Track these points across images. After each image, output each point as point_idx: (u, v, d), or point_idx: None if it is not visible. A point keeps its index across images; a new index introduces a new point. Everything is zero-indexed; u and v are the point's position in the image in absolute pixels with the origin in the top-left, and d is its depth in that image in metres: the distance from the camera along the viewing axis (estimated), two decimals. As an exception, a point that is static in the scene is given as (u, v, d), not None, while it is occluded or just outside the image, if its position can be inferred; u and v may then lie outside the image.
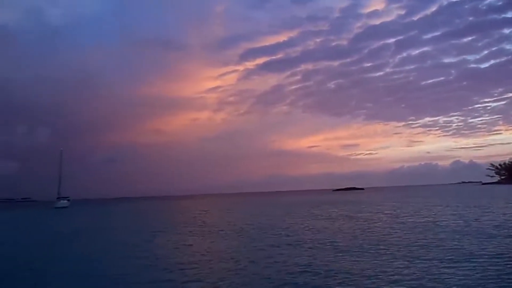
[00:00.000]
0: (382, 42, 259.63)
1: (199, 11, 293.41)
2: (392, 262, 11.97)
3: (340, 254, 13.84)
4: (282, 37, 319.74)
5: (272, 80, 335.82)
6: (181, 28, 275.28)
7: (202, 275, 11.31)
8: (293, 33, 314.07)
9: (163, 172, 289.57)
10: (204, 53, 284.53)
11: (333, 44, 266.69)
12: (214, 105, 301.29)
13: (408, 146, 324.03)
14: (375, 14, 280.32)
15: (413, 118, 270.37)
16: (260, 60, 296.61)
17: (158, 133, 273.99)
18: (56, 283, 11.56)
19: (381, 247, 14.81)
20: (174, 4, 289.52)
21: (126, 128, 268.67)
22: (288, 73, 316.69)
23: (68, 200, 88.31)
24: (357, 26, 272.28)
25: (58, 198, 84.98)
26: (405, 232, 19.21)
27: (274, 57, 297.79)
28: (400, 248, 14.43)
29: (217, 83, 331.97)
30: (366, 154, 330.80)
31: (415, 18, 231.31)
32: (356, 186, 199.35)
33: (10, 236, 27.27)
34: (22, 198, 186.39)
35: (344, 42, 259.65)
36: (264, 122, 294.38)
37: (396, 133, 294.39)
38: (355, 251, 14.22)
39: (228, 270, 11.78)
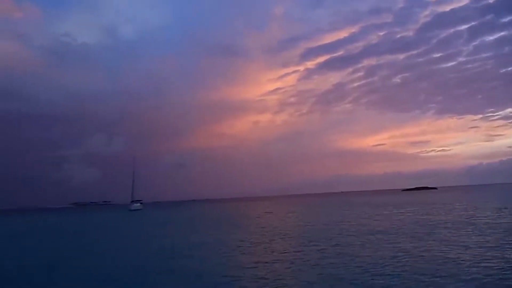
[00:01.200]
0: (452, 30, 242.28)
1: (259, 16, 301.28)
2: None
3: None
4: (342, 34, 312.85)
5: (333, 78, 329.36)
6: (242, 33, 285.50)
7: (269, 274, 11.70)
8: (354, 29, 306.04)
9: (228, 174, 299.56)
10: (264, 56, 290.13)
11: (398, 36, 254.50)
12: (275, 107, 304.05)
13: (487, 141, 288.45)
14: (443, 0, 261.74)
15: (492, 110, 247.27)
16: (321, 59, 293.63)
17: (222, 137, 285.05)
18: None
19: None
20: (235, 11, 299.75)
21: (193, 133, 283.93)
22: (350, 70, 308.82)
23: (141, 203, 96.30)
24: (424, 15, 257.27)
25: (132, 201, 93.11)
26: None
27: (334, 55, 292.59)
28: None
29: (278, 84, 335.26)
30: (438, 151, 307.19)
31: (491, 0, 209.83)
32: (428, 186, 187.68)
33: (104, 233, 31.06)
34: (103, 201, 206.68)
35: (410, 33, 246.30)
36: (325, 122, 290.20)
37: (472, 127, 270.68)
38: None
39: (296, 271, 12.09)
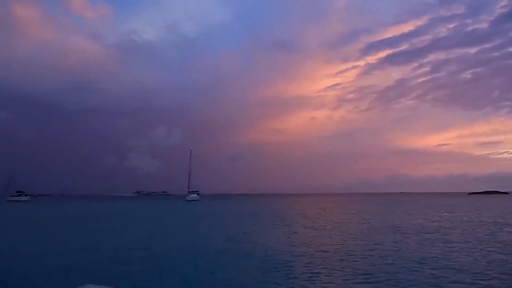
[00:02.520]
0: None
1: (319, 10, 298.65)
2: None
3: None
4: (407, 27, 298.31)
5: (395, 73, 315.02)
6: (300, 28, 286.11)
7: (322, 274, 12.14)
8: (421, 21, 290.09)
9: (283, 170, 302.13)
10: (322, 51, 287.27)
11: (470, 28, 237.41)
12: (332, 103, 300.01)
13: None
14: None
15: None
16: (383, 54, 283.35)
17: (277, 132, 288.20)
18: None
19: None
20: (294, 6, 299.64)
21: (249, 128, 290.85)
22: (415, 65, 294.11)
23: (198, 194, 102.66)
24: (500, 6, 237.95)
25: (189, 192, 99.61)
26: None
27: (398, 49, 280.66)
28: None
29: (336, 80, 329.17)
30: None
31: None
32: (499, 190, 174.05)
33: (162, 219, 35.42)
34: (161, 192, 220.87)
35: (484, 25, 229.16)
36: (386, 119, 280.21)
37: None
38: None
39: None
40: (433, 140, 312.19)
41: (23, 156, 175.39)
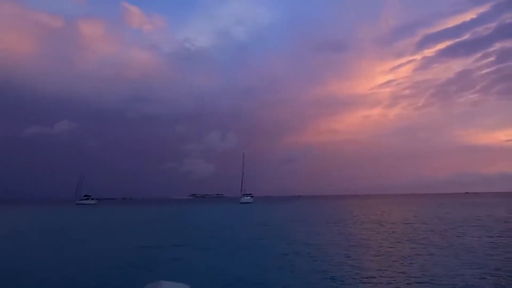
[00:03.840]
0: None
1: (371, 6, 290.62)
2: None
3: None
4: (469, 15, 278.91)
5: (456, 66, 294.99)
6: (352, 26, 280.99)
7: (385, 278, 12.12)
8: (483, 8, 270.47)
9: (337, 171, 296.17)
10: (375, 48, 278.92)
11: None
12: (387, 100, 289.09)
13: None
14: None
15: None
16: (441, 45, 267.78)
17: (331, 132, 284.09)
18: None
19: None
20: (345, 4, 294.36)
21: (302, 129, 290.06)
22: (478, 55, 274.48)
23: (252, 196, 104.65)
24: None
25: (243, 195, 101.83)
26: None
27: (458, 40, 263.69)
28: None
29: (390, 76, 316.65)
30: None
31: None
32: None
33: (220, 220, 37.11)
34: (216, 194, 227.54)
35: None
36: (445, 115, 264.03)
37: None
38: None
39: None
40: (500, 135, 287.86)
41: (89, 163, 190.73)
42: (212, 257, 15.67)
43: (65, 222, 40.52)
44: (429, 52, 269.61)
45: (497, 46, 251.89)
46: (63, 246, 20.48)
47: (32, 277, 12.64)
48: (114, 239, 24.00)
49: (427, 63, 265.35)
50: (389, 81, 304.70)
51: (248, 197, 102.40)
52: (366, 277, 11.50)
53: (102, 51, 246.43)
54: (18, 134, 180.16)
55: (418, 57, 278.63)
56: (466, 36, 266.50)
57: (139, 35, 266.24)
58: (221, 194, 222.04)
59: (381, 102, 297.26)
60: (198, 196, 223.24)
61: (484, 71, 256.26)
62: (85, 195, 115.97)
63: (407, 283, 10.65)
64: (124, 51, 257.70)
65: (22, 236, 26.29)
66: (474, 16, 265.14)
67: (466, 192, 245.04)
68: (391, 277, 11.45)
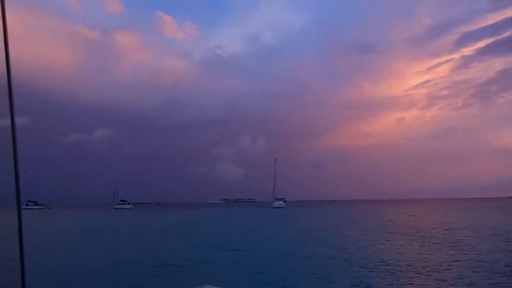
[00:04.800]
0: None
1: (405, 6, 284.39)
2: None
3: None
4: (509, 12, 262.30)
5: (496, 64, 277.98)
6: (384, 27, 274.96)
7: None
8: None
9: (370, 175, 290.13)
10: (409, 48, 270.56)
11: None
12: (422, 101, 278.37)
13: None
14: None
15: None
16: (481, 44, 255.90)
17: (364, 136, 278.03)
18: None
19: None
20: (377, 6, 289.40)
21: (334, 132, 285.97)
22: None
23: (284, 201, 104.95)
24: None
25: (275, 199, 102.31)
26: None
27: (500, 37, 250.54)
28: None
29: (426, 77, 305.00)
30: None
31: None
32: None
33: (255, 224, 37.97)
34: (248, 199, 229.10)
35: None
36: (486, 116, 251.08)
37: None
38: None
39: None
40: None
41: (125, 168, 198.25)
42: (251, 262, 16.42)
43: (109, 225, 42.97)
44: (468, 50, 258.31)
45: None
46: (108, 247, 22.03)
47: (93, 274, 13.95)
48: (156, 241, 25.40)
49: (465, 62, 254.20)
50: (425, 82, 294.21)
51: (281, 202, 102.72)
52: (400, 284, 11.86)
53: (137, 60, 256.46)
54: (60, 142, 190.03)
55: (456, 56, 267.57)
56: (506, 33, 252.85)
57: (172, 43, 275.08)
58: (253, 199, 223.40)
59: (417, 104, 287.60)
60: (230, 201, 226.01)
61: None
62: (122, 200, 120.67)
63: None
64: (158, 59, 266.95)
65: (91, 238, 28.31)
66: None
67: (510, 197, 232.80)
68: (426, 285, 11.74)
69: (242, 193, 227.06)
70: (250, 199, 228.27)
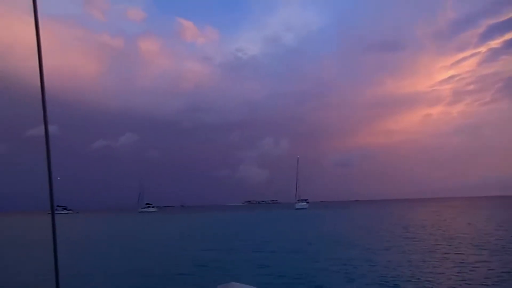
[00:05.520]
0: None
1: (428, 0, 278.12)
2: None
3: None
4: None
5: None
6: (406, 22, 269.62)
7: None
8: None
9: (396, 173, 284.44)
10: (434, 43, 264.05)
11: None
12: (449, 97, 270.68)
13: None
14: None
15: None
16: (509, 35, 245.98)
17: (388, 134, 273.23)
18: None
19: None
20: (398, 1, 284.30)
21: (357, 131, 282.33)
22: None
23: (307, 202, 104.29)
24: None
25: (298, 200, 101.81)
26: None
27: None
28: None
29: (452, 72, 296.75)
30: None
31: None
32: None
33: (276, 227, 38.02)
34: (270, 200, 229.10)
35: None
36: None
37: None
38: None
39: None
40: None
41: (149, 172, 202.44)
42: (275, 262, 16.46)
43: (137, 228, 43.98)
44: (495, 43, 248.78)
45: None
46: (137, 248, 22.56)
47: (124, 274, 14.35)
48: (183, 242, 25.85)
49: (493, 55, 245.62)
50: (451, 77, 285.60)
51: (304, 203, 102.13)
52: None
53: (159, 66, 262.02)
54: (87, 148, 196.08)
55: (482, 49, 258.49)
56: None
57: (193, 48, 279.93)
58: (276, 200, 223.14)
59: (443, 100, 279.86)
60: (253, 203, 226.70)
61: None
62: (146, 203, 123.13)
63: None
64: (179, 64, 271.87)
65: (121, 241, 29.15)
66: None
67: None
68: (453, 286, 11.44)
69: (264, 195, 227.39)
70: (273, 200, 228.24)
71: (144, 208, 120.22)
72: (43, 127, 2.52)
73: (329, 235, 27.82)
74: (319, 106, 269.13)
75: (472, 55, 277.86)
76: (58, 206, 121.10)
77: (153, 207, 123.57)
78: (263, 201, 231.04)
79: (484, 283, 11.25)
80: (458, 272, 12.78)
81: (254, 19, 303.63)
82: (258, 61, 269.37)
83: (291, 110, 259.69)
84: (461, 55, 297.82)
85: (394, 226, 33.31)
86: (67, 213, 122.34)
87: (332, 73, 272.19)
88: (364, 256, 16.97)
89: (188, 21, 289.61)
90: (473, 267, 13.65)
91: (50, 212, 2.72)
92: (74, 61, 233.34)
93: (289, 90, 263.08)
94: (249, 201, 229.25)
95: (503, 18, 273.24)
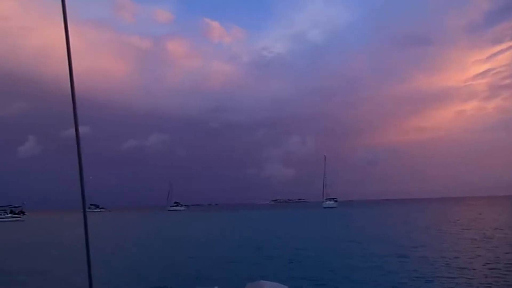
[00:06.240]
0: None
1: None
2: None
3: None
4: None
5: None
6: (438, 16, 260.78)
7: None
8: None
9: (427, 171, 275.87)
10: (467, 36, 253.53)
11: None
12: (484, 92, 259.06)
13: None
14: None
15: None
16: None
17: (419, 130, 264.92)
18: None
19: None
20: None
21: (386, 128, 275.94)
22: None
23: (336, 201, 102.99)
24: None
25: (326, 199, 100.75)
26: None
27: None
28: None
29: (487, 66, 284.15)
30: None
31: None
32: None
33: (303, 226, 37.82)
34: (297, 199, 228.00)
35: None
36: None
37: None
38: None
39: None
40: None
41: (178, 171, 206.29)
42: (307, 260, 16.39)
43: (168, 226, 45.15)
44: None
45: None
46: (170, 246, 23.08)
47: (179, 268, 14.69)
48: (213, 240, 26.27)
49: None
50: (486, 71, 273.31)
51: (332, 202, 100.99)
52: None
53: (186, 66, 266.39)
54: (118, 148, 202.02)
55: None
56: None
57: (219, 48, 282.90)
58: (303, 199, 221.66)
59: (477, 95, 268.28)
60: (279, 201, 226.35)
61: None
62: (175, 202, 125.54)
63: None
64: (206, 64, 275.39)
65: (154, 237, 29.98)
66: None
67: None
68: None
69: (291, 193, 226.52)
70: (300, 199, 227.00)
71: (173, 206, 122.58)
72: (73, 129, 2.59)
73: (362, 233, 27.35)
74: (347, 102, 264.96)
75: (509, 48, 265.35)
76: (91, 204, 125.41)
77: (181, 205, 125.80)
78: (290, 200, 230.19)
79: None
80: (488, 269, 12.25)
81: (279, 16, 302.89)
82: (284, 59, 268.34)
83: (317, 107, 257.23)
84: (497, 48, 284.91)
85: (428, 225, 32.25)
86: (100, 211, 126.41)
87: (359, 69, 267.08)
88: (397, 252, 16.53)
89: (215, 21, 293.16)
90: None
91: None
92: (105, 63, 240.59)
93: (316, 87, 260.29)
94: (275, 200, 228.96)
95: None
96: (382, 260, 15.56)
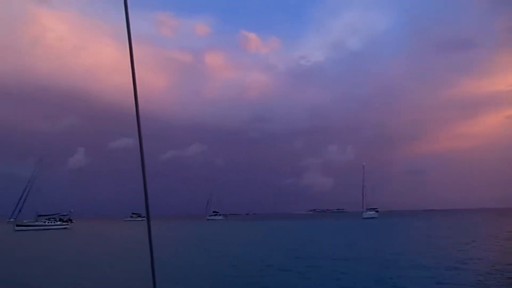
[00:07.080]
0: None
1: None
2: None
3: None
4: None
5: None
6: (483, 18, 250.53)
7: None
8: None
9: (474, 180, 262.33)
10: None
11: None
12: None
13: None
14: None
15: None
16: None
17: (465, 137, 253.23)
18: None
19: None
20: None
21: (429, 136, 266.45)
22: None
23: (377, 211, 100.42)
24: None
25: (367, 209, 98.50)
26: None
27: None
28: None
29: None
30: None
31: None
32: None
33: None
34: (336, 209, 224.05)
35: None
36: None
37: None
38: None
39: None
40: None
41: (217, 181, 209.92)
42: (352, 271, 16.57)
43: (210, 235, 46.50)
44: None
45: None
46: (213, 254, 23.96)
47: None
48: (253, 250, 26.83)
49: None
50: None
51: (372, 212, 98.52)
52: None
53: (224, 78, 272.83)
54: (159, 158, 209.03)
55: None
56: None
57: (257, 59, 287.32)
58: (342, 209, 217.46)
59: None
60: (318, 211, 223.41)
61: None
62: (214, 211, 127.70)
63: None
64: (244, 75, 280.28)
65: (199, 246, 31.27)
66: None
67: None
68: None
69: (330, 203, 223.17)
70: (339, 209, 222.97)
71: (212, 216, 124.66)
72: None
73: (407, 244, 26.92)
74: (388, 110, 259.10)
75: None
76: (133, 213, 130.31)
77: (220, 215, 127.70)
78: (329, 209, 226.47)
79: None
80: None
81: (316, 25, 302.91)
82: (321, 67, 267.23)
83: (355, 115, 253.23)
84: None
85: (479, 236, 31.07)
86: (141, 220, 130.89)
87: (401, 75, 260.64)
88: (445, 264, 16.33)
89: (251, 33, 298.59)
90: None
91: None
92: (147, 76, 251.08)
93: (355, 95, 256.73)
94: (314, 210, 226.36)
95: None
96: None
